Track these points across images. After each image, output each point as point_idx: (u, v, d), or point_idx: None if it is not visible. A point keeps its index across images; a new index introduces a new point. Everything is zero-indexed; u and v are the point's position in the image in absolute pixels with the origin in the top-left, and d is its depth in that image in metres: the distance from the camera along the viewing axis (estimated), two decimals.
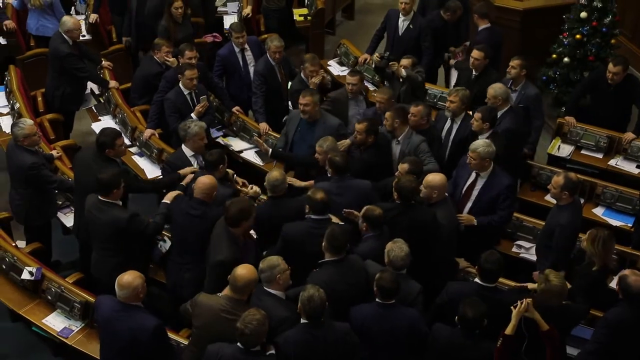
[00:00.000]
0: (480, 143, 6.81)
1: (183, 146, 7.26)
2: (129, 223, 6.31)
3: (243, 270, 5.48)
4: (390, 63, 8.53)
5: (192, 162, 7.19)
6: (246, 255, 5.98)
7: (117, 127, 8.74)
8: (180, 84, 8.11)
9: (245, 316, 5.05)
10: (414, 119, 7.42)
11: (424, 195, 6.48)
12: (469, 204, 6.92)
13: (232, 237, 6.00)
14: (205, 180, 6.36)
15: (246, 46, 8.97)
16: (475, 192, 6.91)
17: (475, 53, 8.38)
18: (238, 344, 5.10)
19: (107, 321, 5.58)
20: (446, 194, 6.65)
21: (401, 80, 8.42)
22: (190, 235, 6.36)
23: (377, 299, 5.52)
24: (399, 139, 7.39)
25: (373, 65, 9.17)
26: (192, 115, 8.03)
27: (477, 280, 5.81)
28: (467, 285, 5.94)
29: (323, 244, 5.73)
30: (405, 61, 8.46)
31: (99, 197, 6.37)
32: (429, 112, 7.58)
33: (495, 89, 7.71)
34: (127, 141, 8.54)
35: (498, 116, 7.62)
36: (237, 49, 8.93)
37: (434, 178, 6.50)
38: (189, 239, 6.38)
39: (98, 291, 6.31)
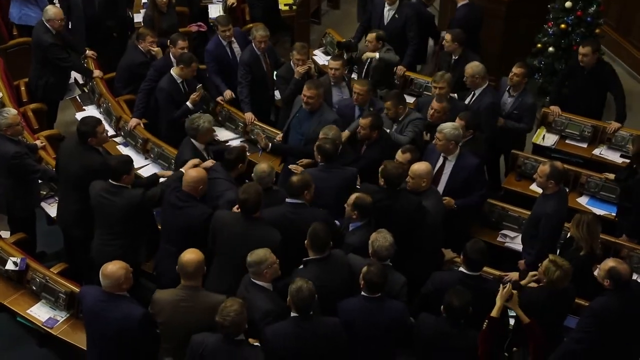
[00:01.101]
0: (448, 125, 6.86)
1: (193, 141, 7.04)
2: (143, 197, 6.40)
3: (191, 255, 5.47)
4: (353, 54, 8.58)
5: (205, 156, 7.06)
6: None
7: (101, 117, 8.69)
8: (173, 72, 8.07)
9: (223, 309, 5.04)
10: (437, 115, 7.34)
11: (413, 185, 6.47)
12: (441, 188, 6.94)
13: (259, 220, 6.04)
14: (193, 173, 6.30)
15: (232, 38, 8.91)
16: (444, 177, 6.94)
17: (446, 36, 8.47)
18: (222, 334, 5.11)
19: (92, 312, 5.55)
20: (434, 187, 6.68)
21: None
22: (172, 226, 6.32)
23: (363, 293, 5.51)
24: (399, 119, 7.49)
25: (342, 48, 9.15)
26: (188, 103, 8.00)
27: (461, 269, 5.83)
28: (451, 275, 5.95)
29: (306, 241, 5.70)
30: (370, 36, 8.58)
31: (110, 181, 6.41)
32: (451, 107, 7.47)
33: (472, 67, 7.79)
34: (111, 131, 8.53)
35: (477, 94, 7.75)
36: (224, 42, 8.86)
37: (420, 167, 6.50)
38: (171, 229, 6.36)
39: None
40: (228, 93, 8.76)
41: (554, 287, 5.64)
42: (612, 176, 7.58)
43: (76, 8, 9.57)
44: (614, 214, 7.43)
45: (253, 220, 5.99)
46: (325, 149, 6.69)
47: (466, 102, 7.90)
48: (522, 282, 6.01)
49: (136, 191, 6.46)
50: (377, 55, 8.52)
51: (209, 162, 6.81)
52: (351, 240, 6.11)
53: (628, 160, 7.89)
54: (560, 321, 5.86)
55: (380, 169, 6.43)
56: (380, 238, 5.75)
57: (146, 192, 6.48)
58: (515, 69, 7.96)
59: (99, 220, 6.56)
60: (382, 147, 7.20)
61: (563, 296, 5.72)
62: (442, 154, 6.93)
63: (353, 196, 6.18)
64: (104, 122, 8.50)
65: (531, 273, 5.99)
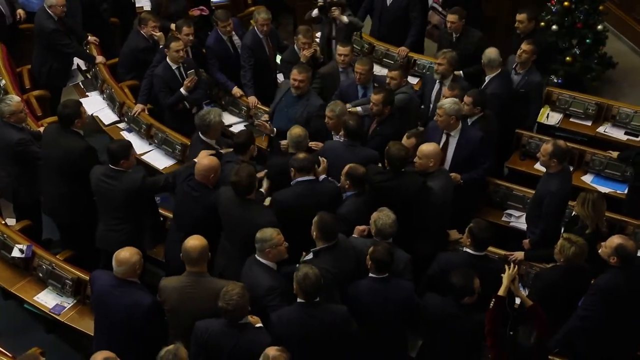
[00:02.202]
0: (447, 100, 6.86)
1: (203, 137, 6.88)
2: (143, 181, 6.39)
3: (194, 241, 5.47)
4: (332, 8, 8.70)
5: (219, 149, 6.97)
6: None
7: (104, 102, 8.75)
8: (167, 59, 8.03)
9: (225, 293, 5.06)
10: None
11: (421, 166, 6.45)
12: (447, 165, 6.92)
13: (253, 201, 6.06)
14: (205, 162, 6.27)
15: (233, 33, 8.78)
16: (449, 153, 6.93)
17: (450, 17, 8.42)
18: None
19: (102, 297, 5.56)
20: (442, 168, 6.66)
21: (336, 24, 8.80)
22: (187, 215, 6.30)
23: (370, 274, 5.52)
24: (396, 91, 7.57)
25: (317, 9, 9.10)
26: (182, 90, 7.95)
27: (466, 249, 5.83)
28: (457, 256, 5.96)
29: (313, 232, 5.68)
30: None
31: (110, 166, 6.41)
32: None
33: (487, 55, 7.73)
34: (115, 116, 8.53)
35: (487, 80, 7.72)
36: (224, 37, 8.72)
37: (428, 147, 6.47)
38: (185, 219, 6.33)
39: (104, 265, 6.30)
40: (236, 90, 8.64)
41: (570, 264, 5.64)
42: (615, 154, 7.55)
43: None
44: (620, 192, 7.40)
45: (246, 202, 5.99)
46: (349, 126, 6.72)
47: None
48: (518, 257, 6.21)
49: (136, 175, 6.45)
50: (345, 18, 8.66)
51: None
52: (340, 210, 6.12)
53: (634, 138, 7.87)
54: (576, 301, 5.82)
55: (385, 150, 6.43)
56: (383, 216, 5.76)
57: (147, 177, 6.48)
58: (524, 46, 7.88)
59: (101, 205, 6.58)
60: (393, 124, 7.19)
61: (579, 275, 5.73)
62: (444, 131, 6.92)
63: (347, 166, 6.22)
64: (107, 107, 8.63)
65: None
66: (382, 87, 7.42)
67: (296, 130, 6.62)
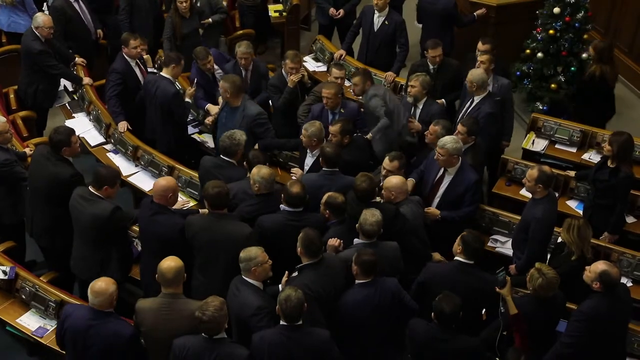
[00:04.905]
0: (449, 139, 6.77)
1: (228, 158, 6.92)
2: (112, 213, 6.29)
3: (170, 262, 5.45)
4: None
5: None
6: None
7: (91, 124, 8.72)
8: (167, 75, 8.04)
9: (203, 304, 5.08)
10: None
11: (387, 198, 6.48)
12: (436, 200, 6.93)
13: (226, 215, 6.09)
14: (162, 182, 6.26)
15: (215, 66, 8.74)
16: (442, 189, 6.92)
17: (432, 52, 8.47)
18: (202, 333, 5.13)
19: (78, 331, 5.45)
20: (411, 197, 6.65)
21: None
22: (150, 237, 6.28)
23: (357, 280, 5.58)
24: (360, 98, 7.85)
25: None
26: (188, 99, 8.09)
27: (457, 258, 5.86)
28: (444, 266, 6.02)
29: (298, 249, 5.69)
30: None
31: (90, 187, 6.38)
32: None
33: (473, 74, 7.76)
34: (101, 138, 8.50)
35: (475, 103, 7.74)
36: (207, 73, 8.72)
37: (391, 180, 6.48)
38: (149, 242, 6.31)
39: (78, 289, 6.24)
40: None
41: (538, 296, 5.68)
42: (573, 173, 7.69)
43: (140, 8, 9.67)
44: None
45: (221, 216, 6.02)
46: (326, 153, 6.70)
47: (465, 108, 7.88)
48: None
49: (108, 206, 6.33)
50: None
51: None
52: (324, 238, 6.10)
53: None
54: (550, 329, 5.88)
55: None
56: (368, 214, 5.86)
57: (118, 211, 6.36)
58: (480, 57, 8.04)
59: (74, 228, 6.55)
60: (352, 149, 7.20)
61: (550, 305, 5.76)
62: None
63: (325, 195, 6.23)
64: (93, 129, 8.61)
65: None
66: (341, 118, 7.46)
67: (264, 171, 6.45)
